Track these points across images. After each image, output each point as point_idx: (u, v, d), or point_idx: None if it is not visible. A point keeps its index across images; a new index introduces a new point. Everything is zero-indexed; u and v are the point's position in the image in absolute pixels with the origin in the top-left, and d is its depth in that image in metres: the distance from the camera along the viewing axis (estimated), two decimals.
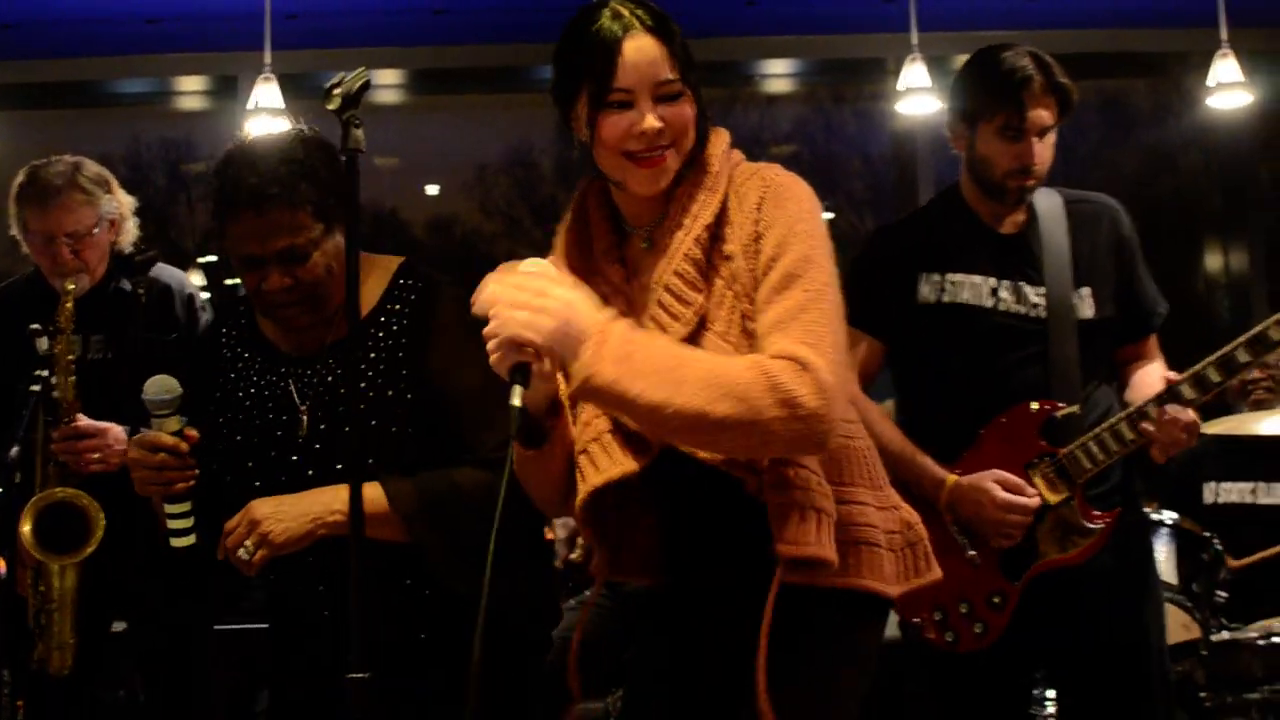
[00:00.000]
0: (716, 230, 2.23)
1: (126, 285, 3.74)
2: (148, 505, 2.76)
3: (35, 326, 3.69)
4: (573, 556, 5.01)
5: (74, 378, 3.51)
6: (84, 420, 3.50)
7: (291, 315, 2.65)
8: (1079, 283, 3.18)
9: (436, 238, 8.46)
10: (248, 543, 2.53)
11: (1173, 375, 3.10)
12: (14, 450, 3.76)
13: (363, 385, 2.65)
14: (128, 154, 7.97)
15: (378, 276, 2.74)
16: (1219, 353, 3.08)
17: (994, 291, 3.18)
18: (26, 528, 3.41)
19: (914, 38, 6.04)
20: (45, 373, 3.58)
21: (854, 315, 3.16)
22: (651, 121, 2.19)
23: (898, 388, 3.41)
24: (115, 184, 3.79)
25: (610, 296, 2.25)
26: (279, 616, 2.88)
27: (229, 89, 7.00)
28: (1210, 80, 6.00)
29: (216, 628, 3.94)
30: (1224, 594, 4.42)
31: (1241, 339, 3.07)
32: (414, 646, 2.72)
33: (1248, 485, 5.15)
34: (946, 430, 3.19)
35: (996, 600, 3.11)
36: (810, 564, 2.16)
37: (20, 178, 3.73)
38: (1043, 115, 3.11)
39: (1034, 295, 3.16)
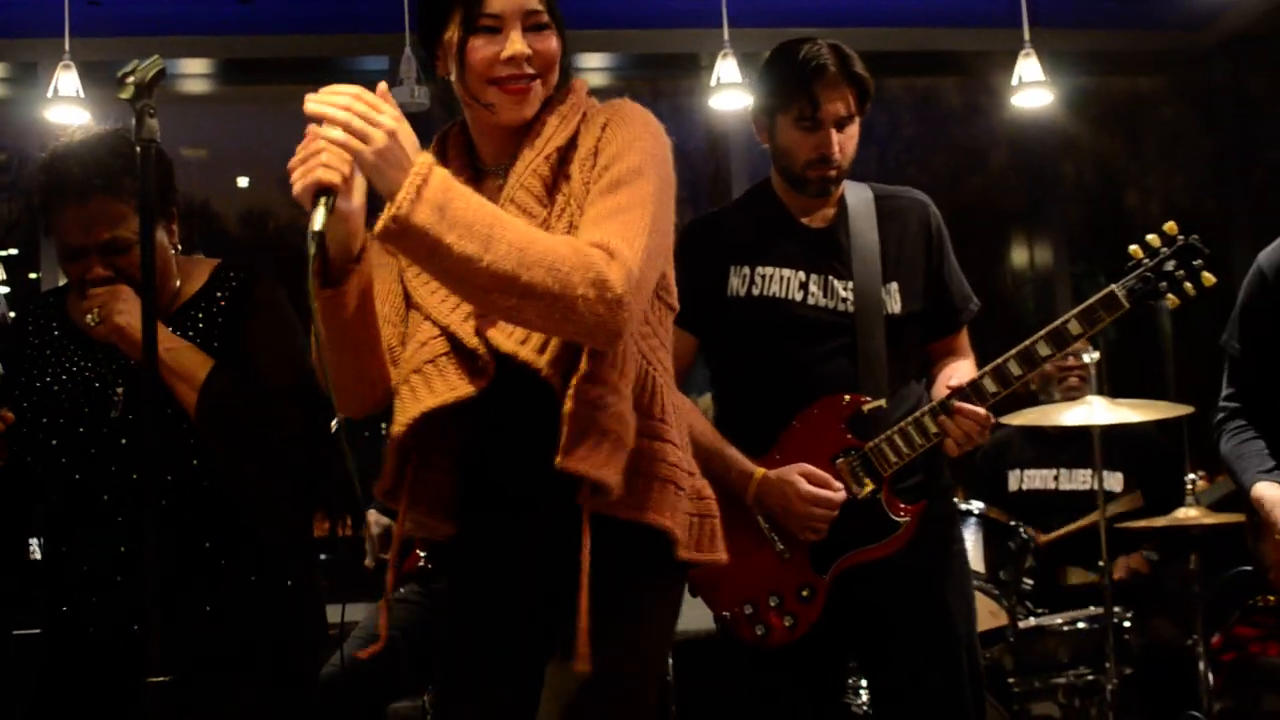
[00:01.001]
0: (566, 154, 2.29)
1: None
2: None
3: None
4: (384, 555, 4.94)
5: None
6: None
7: (111, 311, 2.66)
8: (887, 278, 3.21)
9: (249, 230, 8.29)
10: (96, 310, 2.60)
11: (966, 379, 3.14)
12: None
13: None
14: None
15: (200, 271, 2.83)
16: (1019, 347, 3.14)
17: (803, 285, 3.19)
18: None
19: (725, 33, 6.08)
20: None
21: None
22: (519, 46, 2.27)
23: (712, 382, 3.42)
24: None
25: None
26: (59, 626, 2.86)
27: (28, 76, 6.79)
28: (1014, 79, 6.14)
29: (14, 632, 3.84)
30: (1030, 581, 4.54)
31: (1041, 333, 3.14)
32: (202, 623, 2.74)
33: (1050, 472, 5.30)
34: (757, 424, 3.20)
35: (805, 593, 3.13)
36: (596, 487, 2.18)
37: None
38: (838, 106, 3.14)
39: (842, 289, 3.19)
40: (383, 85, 2.11)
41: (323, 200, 2.02)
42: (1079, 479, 5.23)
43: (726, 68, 6.06)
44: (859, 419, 3.15)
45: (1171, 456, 5.24)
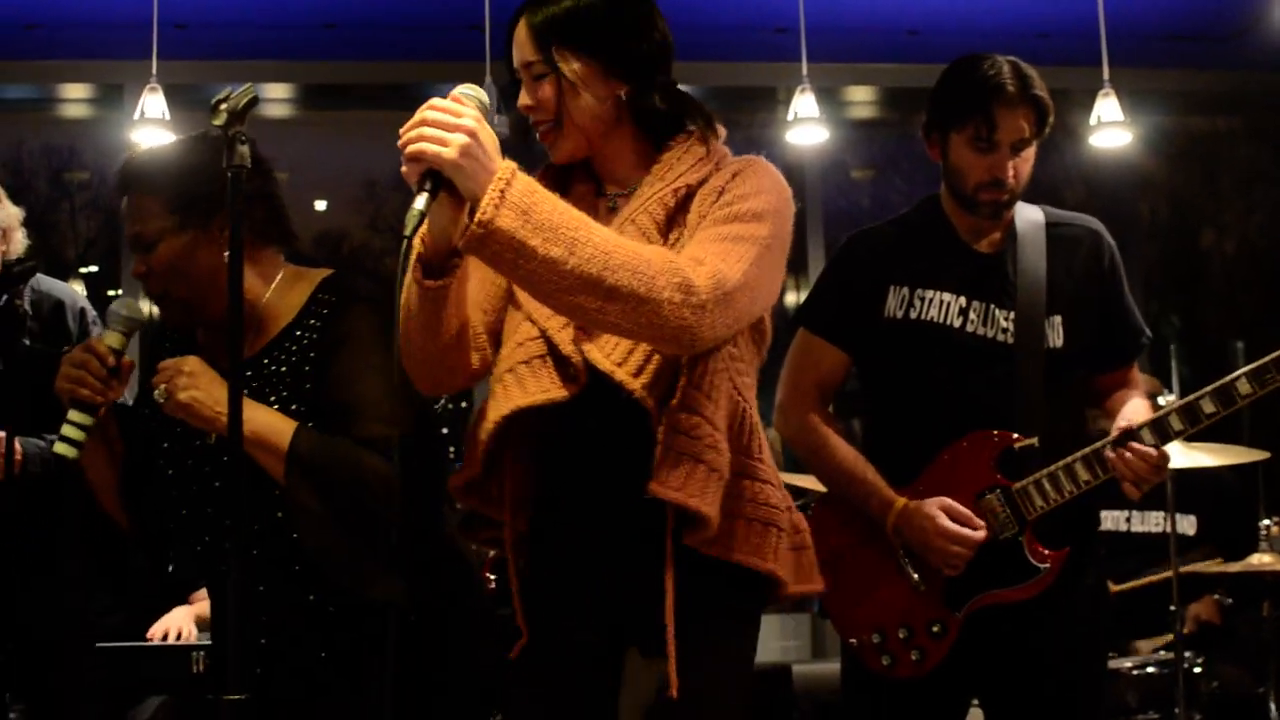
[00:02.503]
0: (694, 192, 2.31)
1: (18, 299, 3.67)
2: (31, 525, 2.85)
3: None
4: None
5: None
6: None
7: (158, 303, 2.73)
8: (1051, 310, 3.07)
9: (324, 253, 8.38)
10: (163, 386, 2.56)
11: (1134, 420, 3.00)
12: None
13: (271, 398, 2.66)
14: (9, 160, 7.83)
15: (300, 290, 2.76)
16: (1184, 400, 3.01)
17: (962, 311, 3.06)
18: None
19: (804, 68, 6.08)
20: None
21: (820, 324, 3.19)
22: (523, 98, 2.37)
23: (865, 402, 3.31)
24: (3, 194, 3.76)
25: None
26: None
27: (115, 98, 6.89)
28: (1093, 119, 6.11)
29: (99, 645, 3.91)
30: None
31: (1208, 390, 2.99)
32: (315, 664, 2.70)
33: (1122, 514, 5.25)
34: (903, 451, 3.10)
35: (936, 629, 3.02)
36: (688, 518, 2.19)
37: None
38: (1016, 127, 3.00)
39: (1003, 319, 3.05)
40: (458, 88, 2.14)
41: (426, 184, 2.05)
42: (1151, 521, 5.18)
43: (804, 103, 6.06)
44: (1009, 456, 3.01)
45: (1244, 501, 5.19)
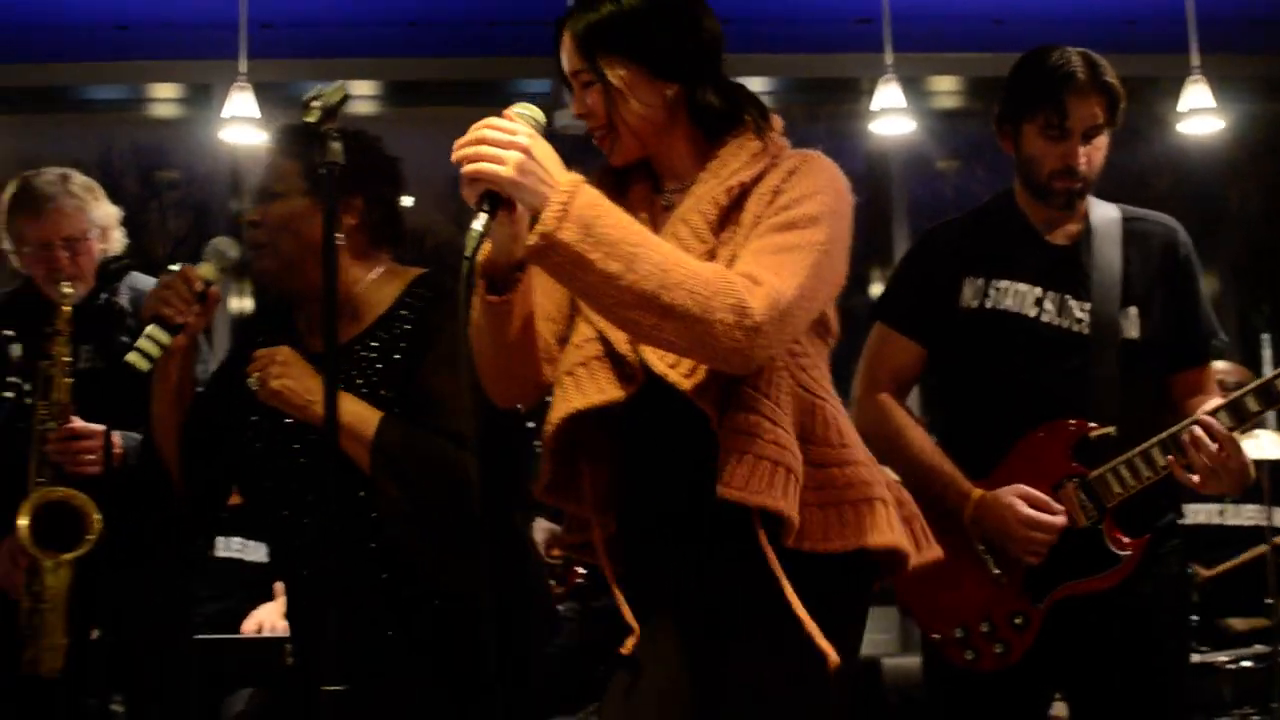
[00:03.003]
0: (748, 189, 2.30)
1: (117, 296, 3.75)
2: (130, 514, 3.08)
3: (8, 333, 3.70)
4: (548, 558, 4.99)
5: (70, 380, 3.53)
6: (79, 422, 3.52)
7: (256, 252, 2.83)
8: (1127, 302, 3.09)
9: (408, 249, 8.42)
10: (257, 374, 2.69)
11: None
12: None
13: (359, 382, 2.76)
14: (100, 160, 7.93)
15: (396, 284, 2.89)
16: (1258, 382, 3.01)
17: (1038, 301, 3.09)
18: (24, 525, 3.42)
19: (888, 58, 6.05)
20: (19, 380, 3.61)
21: (895, 316, 3.22)
22: (574, 106, 2.39)
23: (939, 395, 3.34)
24: (103, 194, 3.85)
25: None
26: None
27: (203, 97, 6.98)
28: (1181, 106, 6.04)
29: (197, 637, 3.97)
30: (1194, 618, 4.44)
31: None
32: (384, 645, 2.77)
33: (1216, 506, 5.18)
34: (979, 442, 3.11)
35: (1019, 621, 3.03)
36: (772, 518, 2.19)
37: (11, 189, 3.78)
38: (1087, 115, 3.03)
39: (1079, 310, 3.08)
40: (513, 108, 2.17)
41: (485, 205, 2.08)
42: (1245, 514, 5.11)
43: (888, 93, 6.03)
44: (1085, 445, 3.03)
45: None
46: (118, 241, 3.88)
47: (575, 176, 2.10)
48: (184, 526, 3.24)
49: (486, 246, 2.18)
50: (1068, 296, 3.09)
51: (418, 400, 2.75)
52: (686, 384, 2.22)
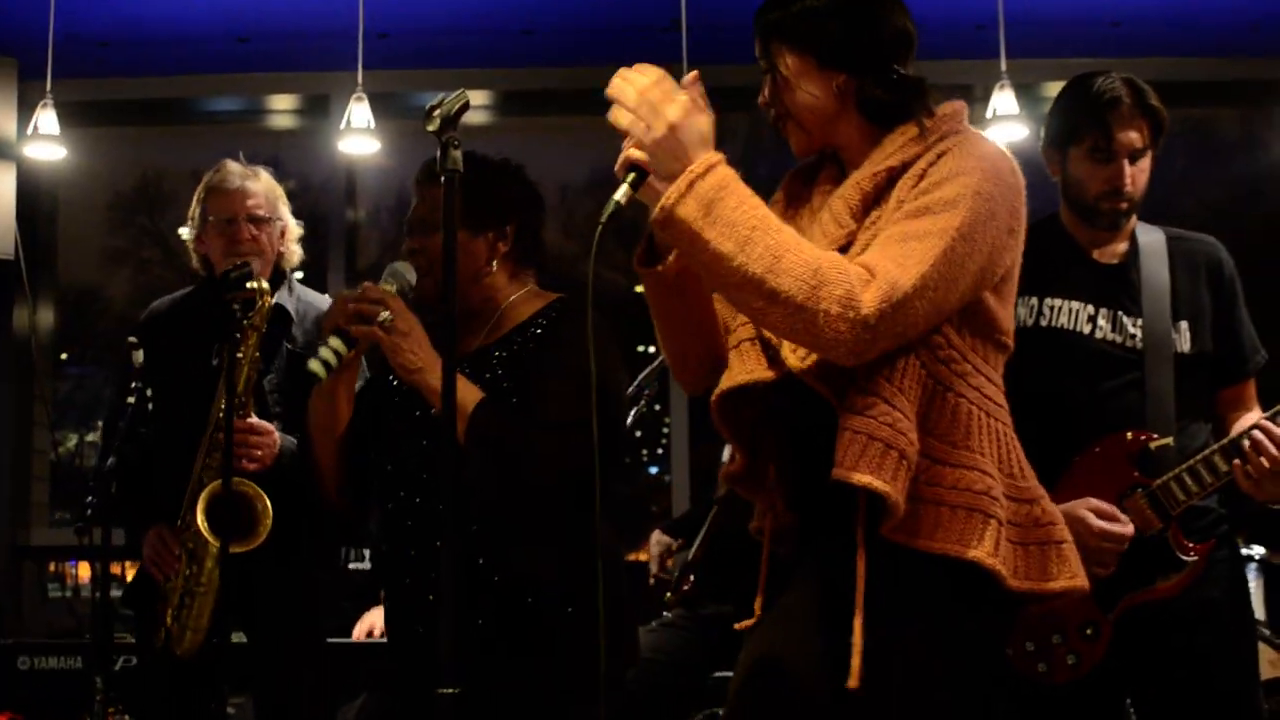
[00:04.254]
0: (897, 174, 2.31)
1: (284, 302, 3.90)
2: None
3: (132, 340, 3.81)
4: (661, 575, 5.01)
5: (253, 374, 3.62)
6: (255, 418, 3.62)
7: (420, 279, 2.99)
8: (1177, 316, 3.18)
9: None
10: (387, 314, 2.84)
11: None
12: (110, 460, 3.85)
13: (486, 375, 2.95)
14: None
15: (537, 303, 3.07)
16: None
17: (1091, 318, 3.18)
18: (200, 513, 3.53)
19: (1003, 64, 6.01)
20: (141, 384, 3.71)
21: None
22: (760, 94, 2.46)
23: None
24: (288, 206, 4.02)
25: (803, 216, 2.44)
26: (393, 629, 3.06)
27: (321, 108, 7.08)
28: None
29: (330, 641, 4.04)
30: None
31: None
32: (480, 642, 2.85)
33: None
34: (1039, 457, 3.05)
35: (1089, 631, 3.07)
36: (878, 503, 2.17)
37: (206, 176, 3.98)
38: (1132, 137, 3.13)
39: (1131, 326, 3.16)
40: (691, 74, 2.22)
41: (630, 175, 2.15)
42: None
43: (1003, 99, 5.98)
44: (1145, 456, 3.10)
45: None
46: (295, 254, 4.03)
47: (713, 155, 2.15)
48: (332, 534, 3.34)
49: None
50: (1120, 313, 3.18)
51: (527, 396, 2.90)
52: (802, 366, 2.24)
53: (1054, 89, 7.26)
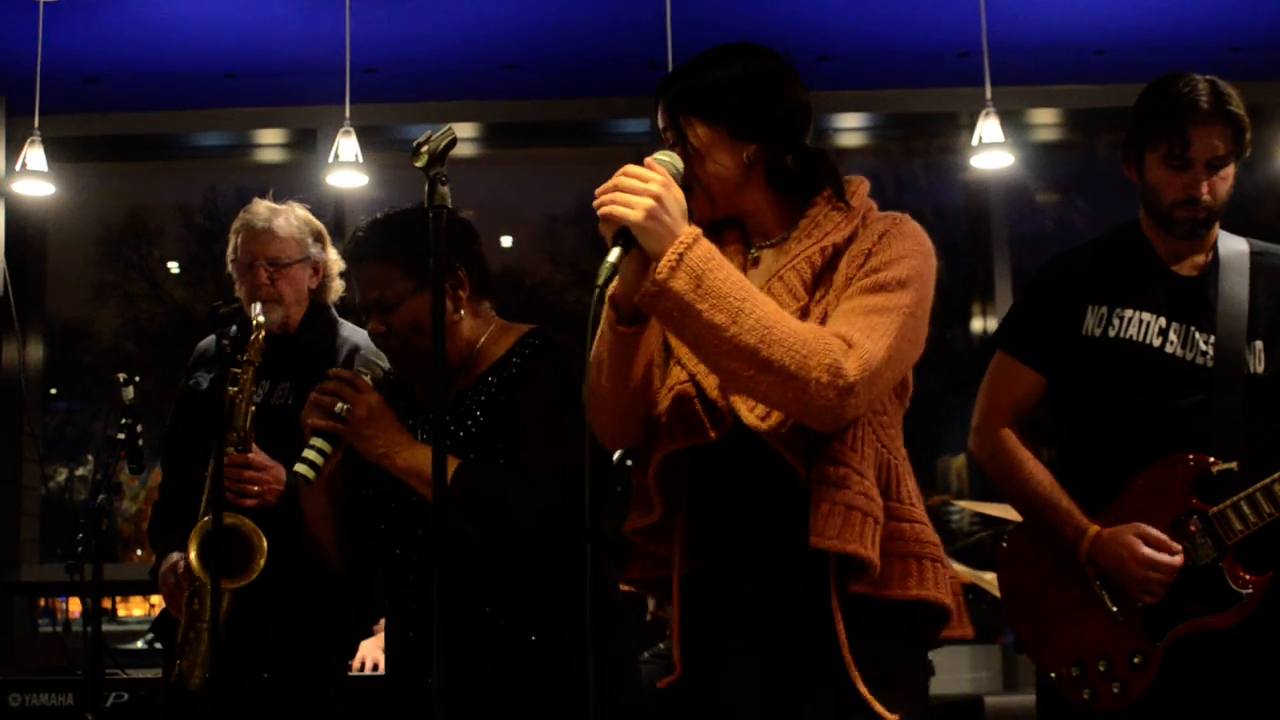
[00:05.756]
0: (840, 250, 2.39)
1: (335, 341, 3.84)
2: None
3: (121, 376, 3.80)
4: (659, 613, 5.01)
5: (254, 409, 3.58)
6: (257, 454, 3.56)
7: (394, 358, 2.93)
8: (1253, 335, 3.03)
9: (505, 288, 8.52)
10: (344, 405, 2.78)
11: None
12: (100, 498, 3.85)
13: (468, 423, 2.88)
14: (204, 204, 8.08)
15: (508, 339, 3.00)
16: None
17: (1162, 332, 3.05)
18: (193, 550, 3.47)
19: (988, 91, 6.03)
20: (130, 420, 3.71)
21: (1015, 344, 3.20)
22: None
23: (1057, 428, 3.27)
24: (328, 239, 3.93)
25: None
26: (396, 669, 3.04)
27: (308, 141, 7.10)
28: None
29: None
30: None
31: None
32: (479, 675, 2.84)
33: None
34: (1098, 476, 3.07)
35: (1137, 660, 2.96)
36: (858, 565, 2.27)
37: (241, 214, 3.89)
38: (1210, 144, 2.97)
39: (1203, 342, 3.02)
40: (654, 155, 2.29)
41: (620, 240, 2.19)
42: None
43: (988, 127, 6.00)
44: (1206, 481, 2.96)
45: None
46: (335, 290, 3.95)
47: (695, 229, 2.21)
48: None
49: (617, 281, 2.28)
50: (1193, 328, 3.04)
51: (509, 438, 2.86)
52: (776, 437, 2.30)
53: (1040, 115, 7.37)
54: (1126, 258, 3.13)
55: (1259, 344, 3.02)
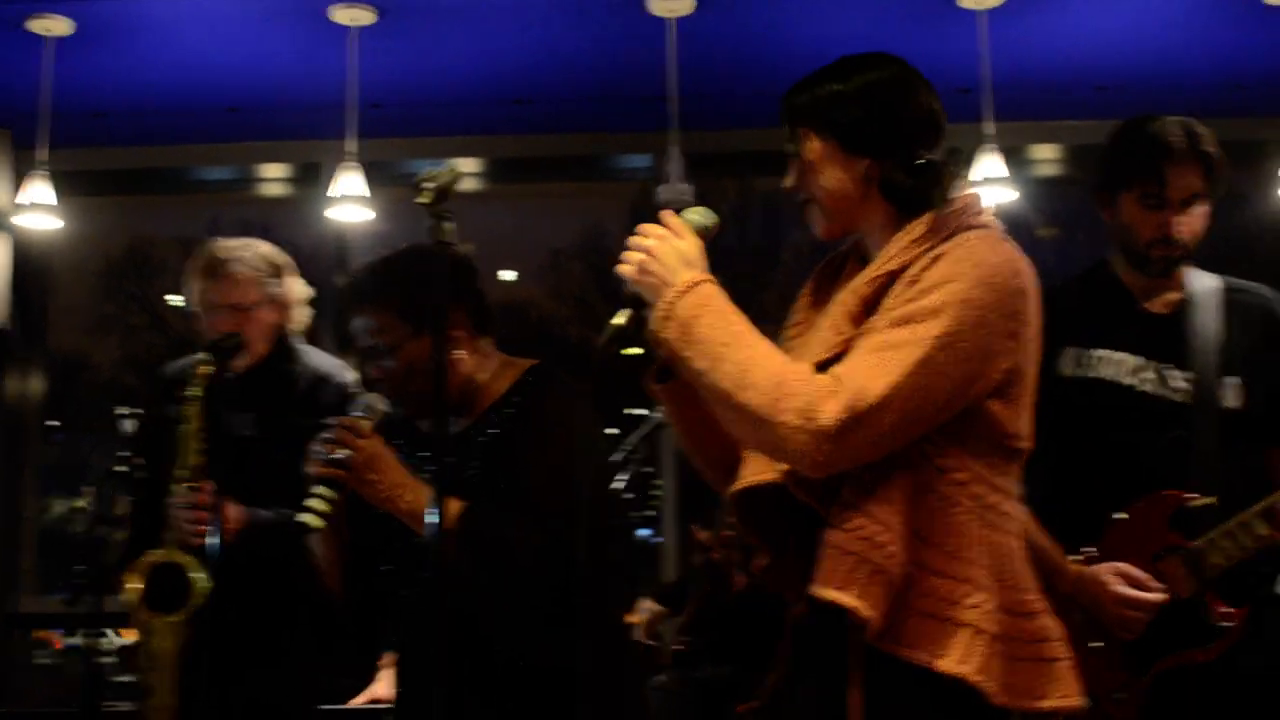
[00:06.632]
0: (896, 276, 2.24)
1: (286, 371, 3.85)
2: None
3: (121, 410, 3.80)
4: (649, 641, 5.01)
5: (201, 446, 3.56)
6: (207, 491, 3.53)
7: (398, 401, 2.92)
8: (1227, 371, 3.05)
9: (510, 322, 8.53)
10: (345, 451, 2.77)
11: None
12: (98, 529, 3.86)
13: (473, 462, 2.90)
14: (207, 238, 8.08)
15: (510, 375, 3.01)
16: None
17: (1136, 371, 3.07)
18: (136, 589, 3.48)
19: (989, 127, 6.03)
20: (130, 453, 3.71)
21: None
22: (786, 178, 2.45)
23: (1035, 466, 3.28)
24: (290, 270, 3.93)
25: (825, 316, 2.37)
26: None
27: (311, 176, 7.11)
28: None
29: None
30: None
31: None
32: (485, 716, 2.84)
33: None
34: (1076, 515, 3.07)
35: (1121, 695, 2.97)
36: (859, 620, 2.11)
37: (198, 254, 3.89)
38: (1185, 184, 3.02)
39: (1179, 379, 3.05)
40: (684, 212, 2.34)
41: (630, 302, 2.26)
42: None
43: (990, 163, 5.98)
44: (1185, 516, 2.98)
45: None
46: (300, 318, 3.96)
47: (694, 276, 2.22)
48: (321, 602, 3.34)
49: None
50: (1167, 365, 3.07)
51: (511, 478, 2.85)
52: (779, 475, 2.23)
53: (1041, 151, 7.38)
54: (1099, 297, 3.17)
55: (1234, 380, 3.05)
